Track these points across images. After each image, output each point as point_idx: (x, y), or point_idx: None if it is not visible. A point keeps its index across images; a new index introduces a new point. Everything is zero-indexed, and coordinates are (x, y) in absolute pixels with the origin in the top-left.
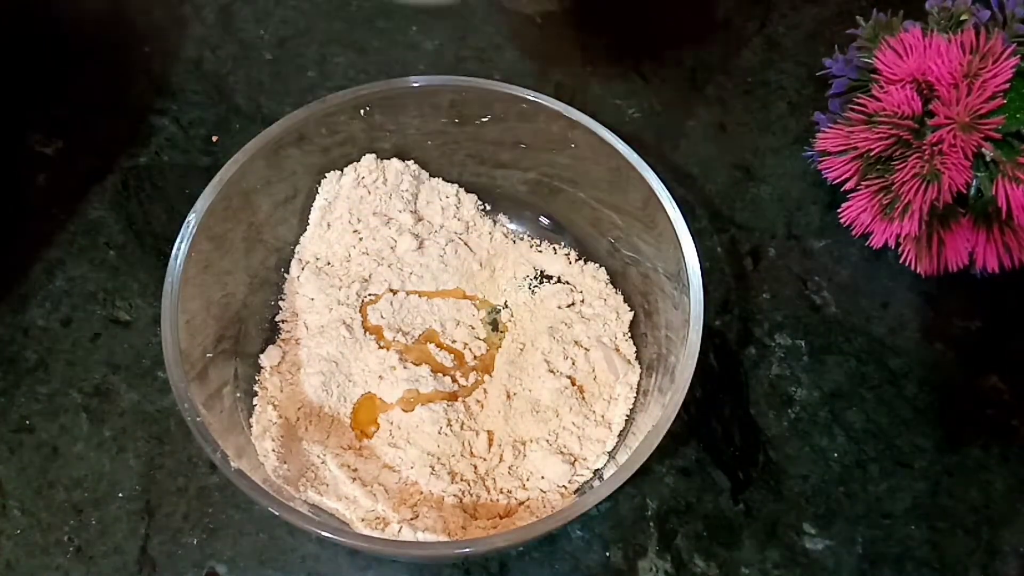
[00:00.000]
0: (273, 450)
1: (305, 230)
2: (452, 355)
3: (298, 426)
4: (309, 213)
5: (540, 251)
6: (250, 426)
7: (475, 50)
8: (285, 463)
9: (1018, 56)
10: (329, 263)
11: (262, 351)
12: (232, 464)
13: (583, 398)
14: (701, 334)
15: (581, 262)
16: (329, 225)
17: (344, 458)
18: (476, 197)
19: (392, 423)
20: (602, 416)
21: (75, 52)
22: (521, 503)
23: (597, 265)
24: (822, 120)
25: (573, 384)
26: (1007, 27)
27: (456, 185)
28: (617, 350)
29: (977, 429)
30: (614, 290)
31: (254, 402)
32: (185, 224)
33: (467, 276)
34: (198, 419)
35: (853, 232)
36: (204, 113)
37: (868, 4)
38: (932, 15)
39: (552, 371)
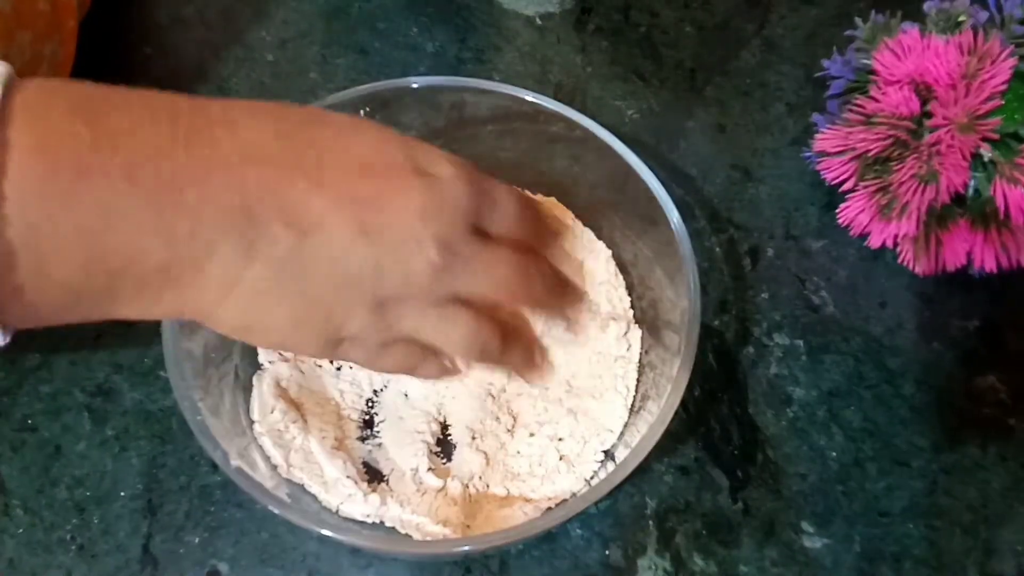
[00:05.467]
0: (274, 447)
1: None
2: None
3: (300, 423)
4: None
5: None
6: (252, 424)
7: (475, 51)
8: (286, 460)
9: (1016, 57)
10: None
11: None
12: (233, 462)
13: (582, 397)
14: (699, 334)
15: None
16: None
17: (347, 456)
18: None
19: (398, 419)
20: (601, 415)
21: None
22: (521, 501)
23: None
24: (820, 121)
25: (573, 383)
26: (1005, 28)
27: None
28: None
29: (974, 428)
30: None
31: (255, 400)
32: None
33: None
34: (199, 418)
35: (851, 232)
36: None
37: (866, 5)
38: (930, 16)
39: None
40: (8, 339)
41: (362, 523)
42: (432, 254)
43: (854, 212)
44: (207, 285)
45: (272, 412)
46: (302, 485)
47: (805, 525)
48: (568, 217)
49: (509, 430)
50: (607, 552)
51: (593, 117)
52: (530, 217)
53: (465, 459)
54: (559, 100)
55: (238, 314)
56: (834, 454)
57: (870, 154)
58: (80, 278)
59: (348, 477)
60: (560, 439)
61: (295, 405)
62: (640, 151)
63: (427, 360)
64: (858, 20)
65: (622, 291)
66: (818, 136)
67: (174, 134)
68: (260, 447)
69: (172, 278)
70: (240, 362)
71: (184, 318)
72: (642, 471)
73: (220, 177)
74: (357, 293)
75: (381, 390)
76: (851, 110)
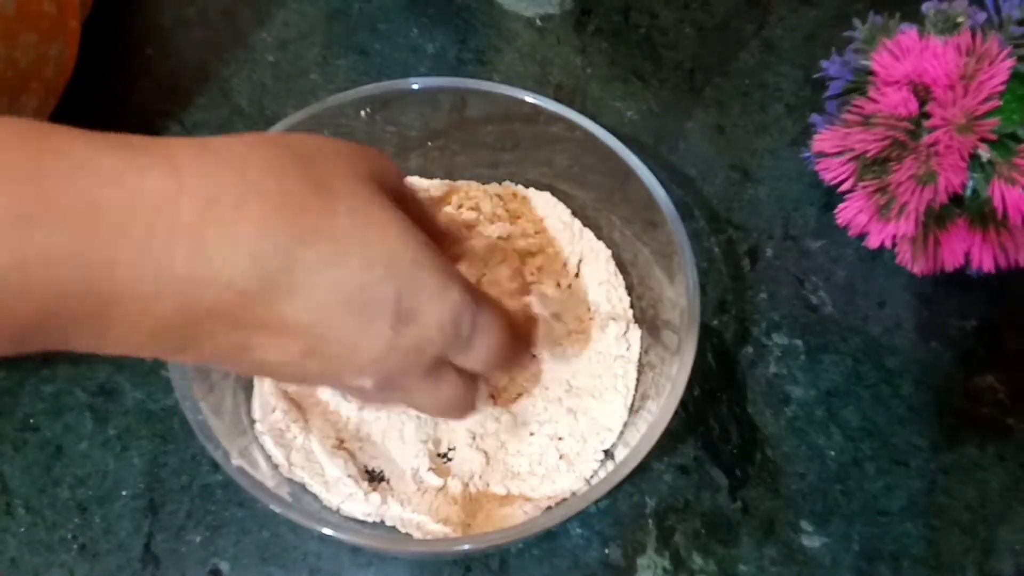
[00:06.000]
0: (275, 447)
1: None
2: None
3: (301, 422)
4: None
5: None
6: (252, 423)
7: (475, 52)
8: (287, 460)
9: (1014, 58)
10: None
11: None
12: (234, 462)
13: (582, 397)
14: (699, 334)
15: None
16: None
17: (347, 454)
18: None
19: (396, 416)
20: (601, 414)
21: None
22: (521, 500)
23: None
24: (819, 122)
25: (573, 383)
26: (1003, 29)
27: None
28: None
29: (973, 428)
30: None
31: (256, 399)
32: None
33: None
34: (200, 417)
35: (850, 233)
36: (208, 115)
37: (865, 7)
38: (928, 17)
39: (552, 369)
40: None
41: (363, 522)
42: (369, 385)
43: (852, 212)
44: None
45: (273, 411)
46: (303, 484)
47: (804, 524)
48: (566, 215)
49: (509, 429)
50: (607, 551)
51: (593, 118)
52: (503, 360)
53: (465, 458)
54: (559, 101)
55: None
56: (833, 453)
57: (868, 155)
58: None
59: (349, 476)
60: (560, 438)
61: (296, 404)
62: (639, 152)
63: None
64: (856, 21)
65: (622, 291)
66: (817, 137)
67: (129, 235)
68: (261, 446)
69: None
70: None
71: None
72: (642, 470)
73: (168, 293)
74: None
75: None
76: (850, 111)
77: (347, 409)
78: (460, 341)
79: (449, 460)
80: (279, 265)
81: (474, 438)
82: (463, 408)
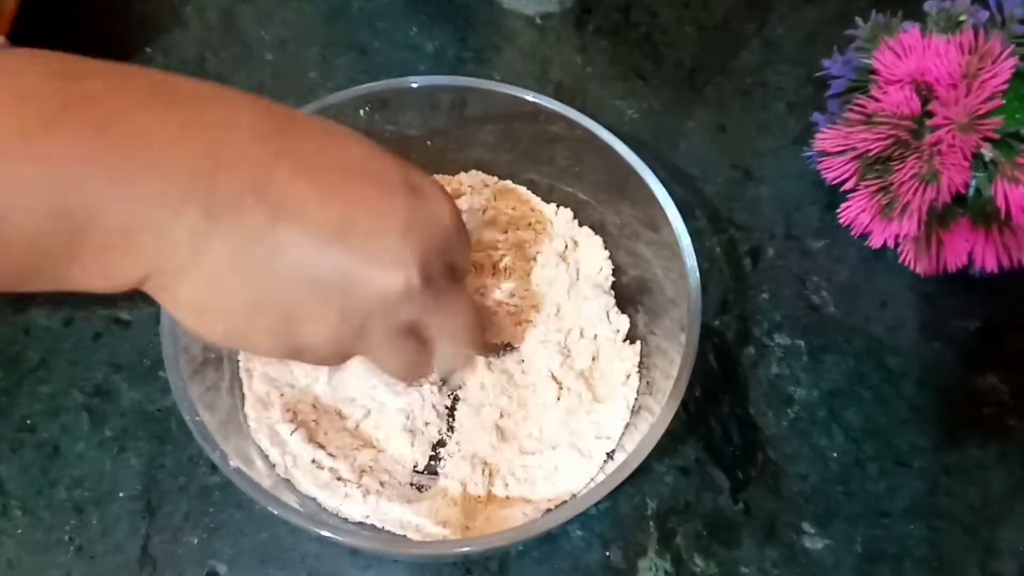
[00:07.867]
0: (272, 448)
1: None
2: None
3: (299, 423)
4: None
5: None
6: (249, 424)
7: (475, 51)
8: (285, 461)
9: (1016, 57)
10: None
11: None
12: (231, 463)
13: (583, 398)
14: (700, 334)
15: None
16: None
17: (345, 455)
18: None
19: (393, 416)
20: (602, 415)
21: (77, 53)
22: (521, 502)
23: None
24: (821, 121)
25: (566, 384)
26: (1005, 28)
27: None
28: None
29: (975, 428)
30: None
31: (253, 400)
32: None
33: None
34: (197, 418)
35: (852, 232)
36: None
37: (867, 5)
38: (931, 16)
39: (552, 369)
40: None
41: (361, 524)
42: (412, 274)
43: (855, 212)
44: (170, 253)
45: (270, 412)
46: (301, 486)
47: (806, 526)
48: (567, 214)
49: (509, 430)
50: (607, 553)
51: (593, 117)
52: (474, 322)
53: (465, 460)
54: (559, 100)
55: (196, 290)
56: (835, 454)
57: (871, 154)
58: (43, 234)
59: (347, 478)
60: (560, 440)
61: (293, 405)
62: (640, 151)
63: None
64: (859, 20)
65: (621, 291)
66: (819, 136)
67: (155, 95)
68: (258, 447)
69: (134, 242)
70: (237, 362)
71: (144, 290)
72: (642, 472)
73: (197, 141)
74: (322, 300)
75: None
76: (852, 110)
77: (344, 408)
78: (464, 234)
79: (440, 459)
80: (295, 128)
81: (474, 438)
82: (418, 375)
